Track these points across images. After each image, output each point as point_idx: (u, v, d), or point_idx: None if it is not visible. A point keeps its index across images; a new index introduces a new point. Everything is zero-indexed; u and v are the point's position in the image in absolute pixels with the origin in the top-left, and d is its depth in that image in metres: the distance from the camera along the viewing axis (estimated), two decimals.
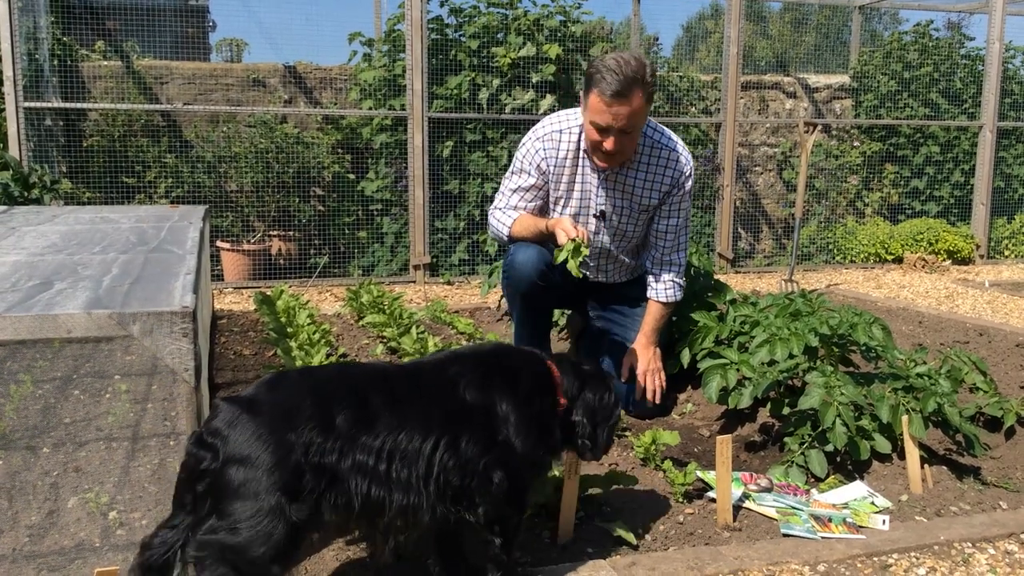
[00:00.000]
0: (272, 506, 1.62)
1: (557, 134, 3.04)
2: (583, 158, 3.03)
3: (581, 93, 2.90)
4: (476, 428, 1.83)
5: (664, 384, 3.09)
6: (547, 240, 2.95)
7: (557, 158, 3.03)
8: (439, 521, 1.80)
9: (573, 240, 2.66)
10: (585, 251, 2.66)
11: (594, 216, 3.11)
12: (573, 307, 3.70)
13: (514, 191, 3.10)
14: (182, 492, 1.70)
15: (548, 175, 3.06)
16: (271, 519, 1.62)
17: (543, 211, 3.17)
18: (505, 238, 3.13)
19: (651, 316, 3.12)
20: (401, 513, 1.75)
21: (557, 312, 4.32)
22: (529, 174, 3.07)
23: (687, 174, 3.06)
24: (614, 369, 3.22)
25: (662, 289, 3.12)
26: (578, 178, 3.06)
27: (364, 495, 1.70)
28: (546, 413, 1.99)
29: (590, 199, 3.08)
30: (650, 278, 3.16)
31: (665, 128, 3.11)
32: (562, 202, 3.11)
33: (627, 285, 3.36)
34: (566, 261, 2.66)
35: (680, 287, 3.15)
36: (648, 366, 3.06)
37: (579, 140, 3.02)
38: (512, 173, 3.13)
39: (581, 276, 2.74)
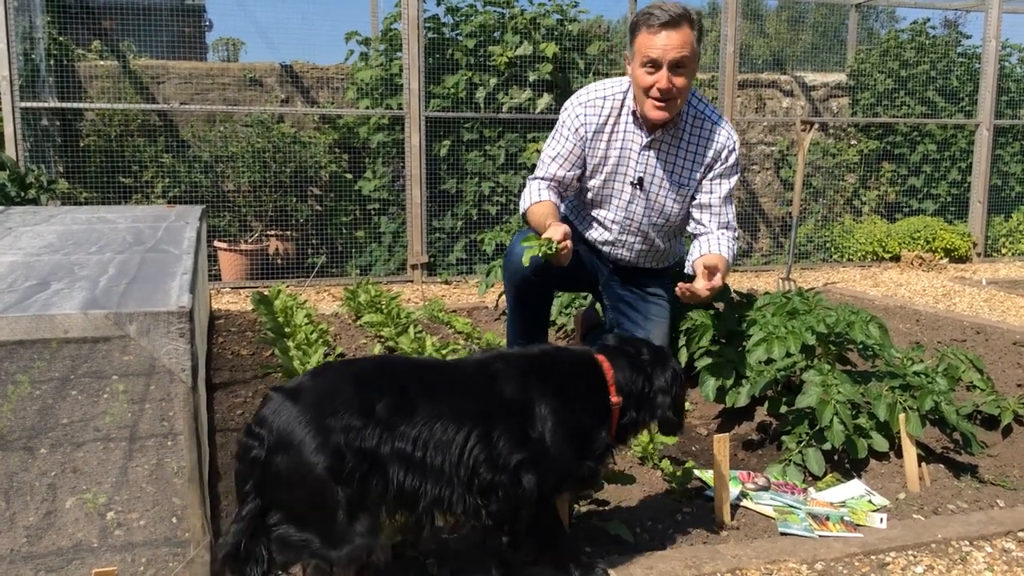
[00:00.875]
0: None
1: (600, 100, 3.01)
2: (626, 123, 2.99)
3: (627, 52, 2.89)
4: (508, 424, 1.84)
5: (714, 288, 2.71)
6: None
7: (597, 123, 3.00)
8: (470, 514, 1.83)
9: (550, 239, 2.59)
10: (551, 254, 2.59)
11: (631, 183, 3.05)
12: (585, 289, 3.60)
13: (553, 159, 3.05)
14: (240, 482, 1.80)
15: (586, 140, 3.02)
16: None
17: (581, 180, 3.13)
18: (523, 211, 3.09)
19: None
20: (435, 501, 1.79)
21: (555, 312, 4.32)
22: (568, 139, 3.03)
23: (731, 148, 3.00)
24: None
25: (726, 247, 2.92)
26: (616, 144, 3.01)
27: (400, 481, 1.75)
28: (591, 415, 1.98)
29: (628, 165, 3.03)
30: (704, 239, 2.97)
31: (705, 98, 3.07)
32: (599, 167, 3.06)
33: (647, 274, 3.25)
34: (529, 247, 2.60)
35: (733, 251, 2.98)
36: (716, 278, 2.70)
37: (622, 105, 2.99)
38: (552, 139, 3.09)
39: (527, 264, 2.67)
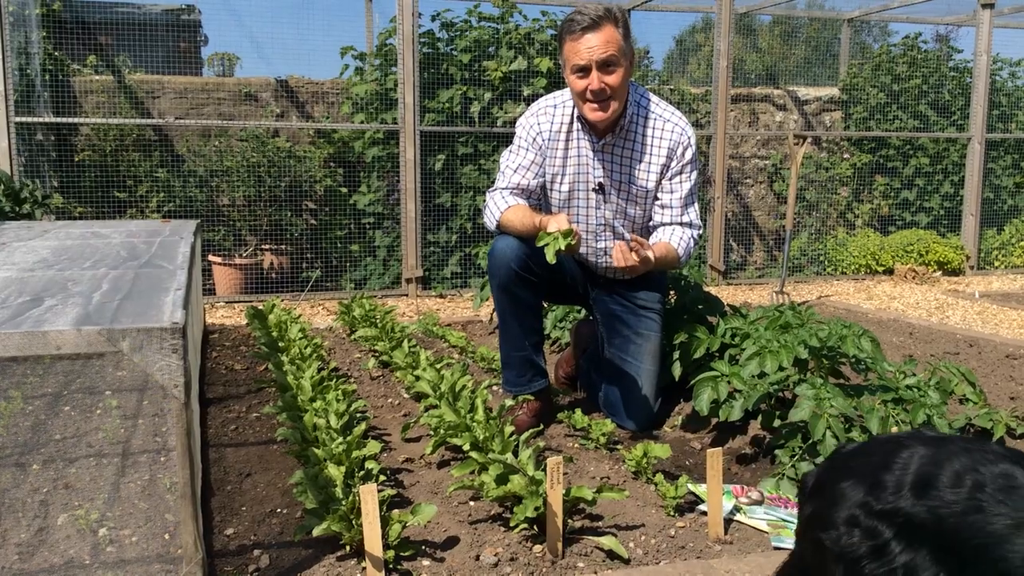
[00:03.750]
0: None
1: (551, 108, 3.06)
2: (578, 130, 3.03)
3: (560, 61, 2.94)
4: None
5: (634, 259, 2.73)
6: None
7: (551, 131, 3.03)
8: None
9: (561, 229, 2.62)
10: (572, 241, 2.60)
11: (592, 190, 3.07)
12: (575, 302, 3.57)
13: (515, 170, 3.06)
14: None
15: (544, 149, 3.05)
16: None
17: (543, 190, 3.15)
18: (494, 224, 3.05)
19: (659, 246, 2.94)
20: None
21: (549, 325, 4.33)
22: (527, 150, 3.06)
23: (685, 144, 3.01)
24: (620, 404, 3.15)
25: (677, 238, 2.99)
26: (573, 151, 3.04)
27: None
28: None
29: (587, 172, 3.05)
30: (658, 232, 3.05)
31: (660, 100, 3.07)
32: (559, 178, 3.08)
33: (636, 284, 3.22)
34: (546, 245, 2.61)
35: (692, 243, 3.03)
36: (639, 255, 2.75)
37: (572, 112, 3.03)
38: (510, 152, 3.11)
39: (554, 262, 2.66)
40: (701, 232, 3.10)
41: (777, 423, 2.82)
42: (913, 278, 7.66)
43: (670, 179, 3.04)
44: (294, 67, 10.69)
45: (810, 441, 2.64)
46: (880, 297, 6.80)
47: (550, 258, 2.61)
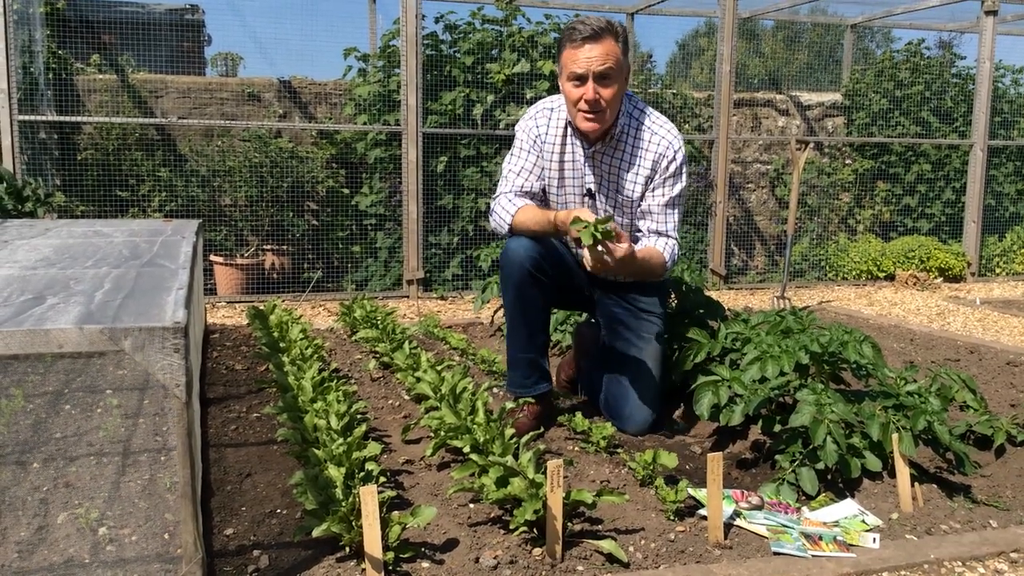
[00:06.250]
0: None
1: (548, 111, 3.10)
2: (571, 135, 3.07)
3: (556, 68, 2.97)
4: None
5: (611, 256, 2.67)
6: (553, 234, 2.96)
7: (548, 134, 3.08)
8: None
9: (589, 220, 2.63)
10: (608, 227, 2.61)
11: (583, 195, 3.12)
12: (581, 307, 3.59)
13: (517, 173, 3.10)
14: None
15: (543, 151, 3.10)
16: None
17: (544, 193, 3.19)
18: (506, 228, 3.07)
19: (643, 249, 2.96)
20: None
21: (551, 328, 4.32)
22: (529, 152, 3.10)
23: (670, 156, 3.03)
24: (620, 407, 3.16)
25: (660, 244, 3.02)
26: (567, 156, 3.09)
27: None
28: None
29: (579, 177, 3.10)
30: (642, 239, 3.08)
31: (652, 110, 3.11)
32: (555, 182, 3.12)
33: (636, 288, 3.25)
34: (582, 231, 2.61)
35: (673, 257, 3.06)
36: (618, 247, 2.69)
37: (567, 119, 3.06)
38: (512, 155, 3.15)
39: (591, 267, 2.67)
40: (677, 246, 3.11)
41: (778, 428, 2.82)
42: (914, 284, 7.65)
43: (652, 189, 3.07)
44: (297, 68, 10.70)
45: (811, 446, 2.64)
46: (881, 303, 6.80)
47: (587, 240, 2.60)
